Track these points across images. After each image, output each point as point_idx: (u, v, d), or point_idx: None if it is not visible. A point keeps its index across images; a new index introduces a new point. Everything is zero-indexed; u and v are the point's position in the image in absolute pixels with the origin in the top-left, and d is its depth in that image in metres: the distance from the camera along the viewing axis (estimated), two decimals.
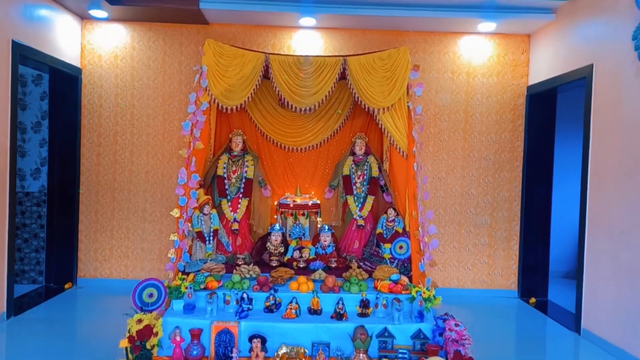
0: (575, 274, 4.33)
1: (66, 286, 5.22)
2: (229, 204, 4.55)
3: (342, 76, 4.30)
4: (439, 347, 3.17)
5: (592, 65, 4.12)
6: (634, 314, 3.55)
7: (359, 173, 4.66)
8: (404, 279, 3.84)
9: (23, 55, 4.29)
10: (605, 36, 4.01)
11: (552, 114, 5.24)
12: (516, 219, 5.31)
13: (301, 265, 4.23)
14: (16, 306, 4.41)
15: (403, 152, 4.23)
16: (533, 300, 5.13)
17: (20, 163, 5.21)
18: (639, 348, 3.49)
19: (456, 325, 3.15)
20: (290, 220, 4.65)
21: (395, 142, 4.25)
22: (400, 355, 3.21)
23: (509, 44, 5.30)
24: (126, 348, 3.03)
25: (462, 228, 5.34)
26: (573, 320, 4.37)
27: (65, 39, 4.95)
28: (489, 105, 5.31)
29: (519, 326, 4.65)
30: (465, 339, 3.07)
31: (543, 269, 5.29)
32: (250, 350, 3.23)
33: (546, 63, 4.95)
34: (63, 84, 5.18)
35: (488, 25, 5.01)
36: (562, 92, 5.06)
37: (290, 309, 3.57)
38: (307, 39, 5.30)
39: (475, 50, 5.30)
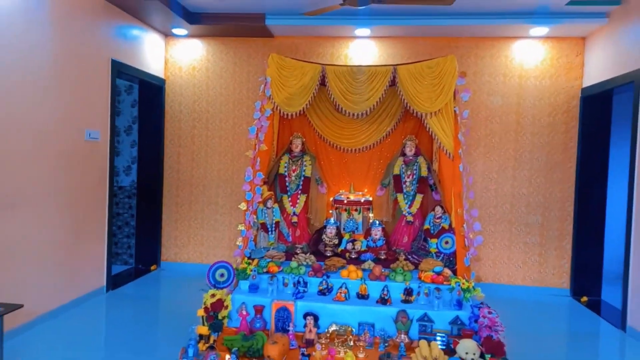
0: (617, 273, 4.39)
1: (152, 268, 6.02)
2: (289, 199, 5.06)
3: (393, 83, 4.64)
4: (474, 332, 3.46)
5: None
6: None
7: (408, 173, 4.99)
8: (447, 271, 4.14)
9: (119, 70, 5.07)
10: None
11: (608, 115, 5.24)
12: (569, 219, 5.37)
13: (353, 256, 4.64)
14: (113, 282, 5.22)
15: (449, 153, 4.50)
16: (585, 299, 5.19)
17: (115, 161, 6.08)
18: None
19: (489, 312, 3.43)
20: (344, 215, 5.07)
21: (442, 144, 4.54)
22: (438, 338, 3.54)
23: (562, 47, 5.37)
24: (202, 317, 3.63)
25: (513, 226, 5.49)
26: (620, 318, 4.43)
27: (152, 53, 5.73)
28: (541, 107, 5.41)
29: (565, 322, 4.76)
30: (498, 326, 3.35)
31: (596, 269, 5.31)
32: (305, 326, 3.70)
33: (600, 65, 4.98)
34: (150, 93, 5.97)
35: (540, 30, 5.13)
36: (618, 93, 5.06)
37: (340, 293, 4.00)
38: (363, 48, 5.70)
39: (528, 54, 5.42)
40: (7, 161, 3.59)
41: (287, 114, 4.72)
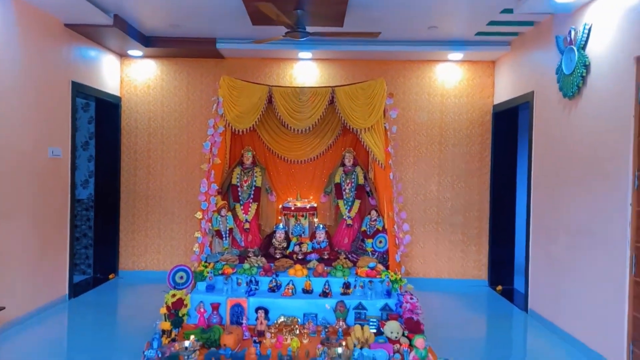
0: (524, 264, 5.23)
1: (110, 276, 6.32)
2: (242, 207, 5.55)
3: (332, 102, 5.26)
4: (399, 315, 4.13)
5: (533, 92, 5.04)
6: (560, 294, 4.45)
7: (347, 181, 5.62)
8: (379, 266, 4.80)
9: (78, 90, 5.41)
10: (542, 67, 4.90)
11: (515, 128, 6.13)
12: (485, 219, 6.23)
13: (300, 257, 5.19)
14: (74, 291, 5.51)
15: (381, 164, 5.16)
16: (500, 287, 6.03)
17: None
18: (562, 321, 4.38)
19: (411, 299, 4.11)
20: (292, 220, 5.62)
21: (375, 156, 5.20)
22: (370, 322, 4.17)
23: (477, 69, 6.23)
24: (164, 314, 4.08)
25: (439, 226, 6.28)
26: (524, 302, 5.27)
27: (108, 73, 6.07)
28: (460, 121, 6.24)
29: (481, 307, 5.54)
30: (417, 309, 4.03)
31: (509, 262, 6.17)
32: (256, 319, 4.22)
33: (507, 86, 5.86)
34: (107, 110, 6.29)
35: (457, 55, 5.96)
36: (523, 109, 5.95)
37: (288, 289, 4.56)
38: (305, 69, 6.32)
39: (448, 75, 6.24)
40: None
41: (238, 130, 5.21)
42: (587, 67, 4.01)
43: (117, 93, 6.29)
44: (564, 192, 4.41)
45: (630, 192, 3.45)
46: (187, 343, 2.62)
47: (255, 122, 5.19)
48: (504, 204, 6.14)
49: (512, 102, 5.64)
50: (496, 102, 6.13)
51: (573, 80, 4.18)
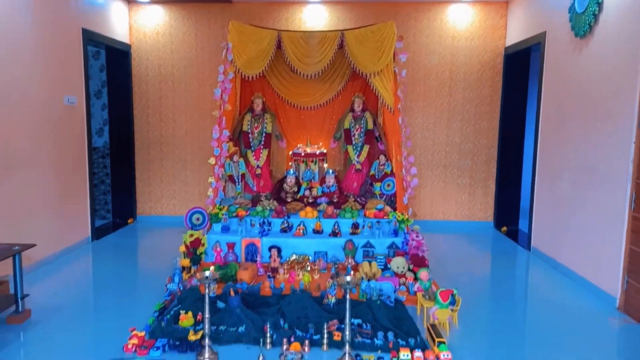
0: (529, 204, 5.36)
1: (129, 221, 6.60)
2: (253, 153, 5.69)
3: (341, 46, 5.24)
4: (405, 252, 4.33)
5: (545, 32, 4.96)
6: (562, 231, 4.59)
7: (357, 126, 5.69)
8: (387, 208, 4.96)
9: (88, 38, 5.44)
10: (554, 7, 4.79)
11: (526, 71, 6.06)
12: (493, 162, 6.30)
13: (310, 201, 5.38)
14: (96, 234, 5.80)
15: (390, 108, 5.21)
16: (505, 228, 6.20)
17: None
18: (563, 256, 4.56)
19: (417, 236, 4.30)
20: (302, 166, 5.77)
21: (384, 101, 5.23)
22: (378, 259, 4.39)
23: (489, 10, 6.09)
24: (183, 252, 4.34)
25: (447, 170, 6.38)
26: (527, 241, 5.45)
27: (117, 20, 6.06)
28: (471, 64, 6.18)
29: (485, 246, 5.73)
30: (423, 246, 4.22)
31: (515, 204, 6.30)
32: (270, 257, 4.47)
33: (519, 27, 5.74)
34: (117, 58, 6.32)
35: None
36: (535, 51, 5.86)
37: (299, 229, 4.78)
38: (315, 13, 6.23)
39: (460, 17, 6.11)
40: (1, 128, 4.06)
41: (248, 76, 5.25)
42: (599, 4, 3.94)
43: (126, 40, 6.30)
44: (571, 131, 4.45)
45: (634, 130, 3.49)
46: (207, 273, 2.82)
47: (265, 67, 5.21)
48: (512, 148, 6.19)
49: (524, 43, 5.56)
50: (508, 44, 6.04)
51: (585, 19, 4.11)
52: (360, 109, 5.68)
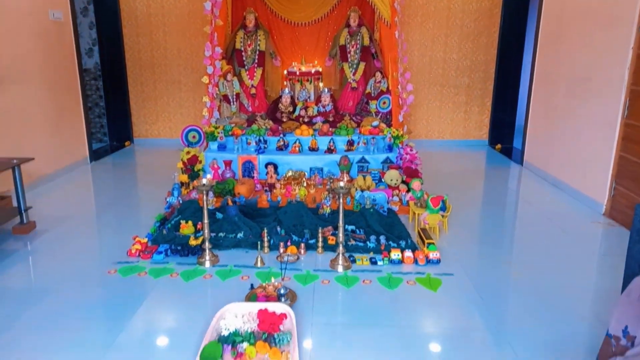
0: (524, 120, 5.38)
1: (126, 144, 6.63)
2: (247, 72, 5.59)
3: None
4: (399, 166, 4.41)
5: None
6: (554, 144, 4.65)
7: (352, 43, 5.55)
8: (382, 125, 4.98)
9: None
10: None
11: None
12: (490, 80, 6.22)
13: (305, 121, 5.38)
14: (94, 155, 5.85)
15: (387, 22, 5.06)
16: (499, 146, 6.26)
17: None
18: (553, 168, 4.65)
19: (410, 150, 4.35)
20: (297, 85, 5.69)
21: (380, 13, 5.06)
22: (372, 174, 4.48)
23: None
24: (181, 168, 4.41)
25: (444, 88, 6.31)
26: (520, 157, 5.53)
27: None
28: None
29: (479, 162, 5.81)
30: (417, 160, 4.29)
31: (510, 123, 6.31)
32: (267, 173, 4.55)
33: None
34: None
35: None
36: None
37: (295, 147, 4.81)
38: None
39: None
40: None
41: None
42: None
43: None
44: (569, 44, 4.36)
45: (633, 35, 3.43)
46: (204, 180, 2.89)
47: None
48: (510, 65, 6.08)
49: None
50: None
51: None
52: (356, 24, 5.51)
